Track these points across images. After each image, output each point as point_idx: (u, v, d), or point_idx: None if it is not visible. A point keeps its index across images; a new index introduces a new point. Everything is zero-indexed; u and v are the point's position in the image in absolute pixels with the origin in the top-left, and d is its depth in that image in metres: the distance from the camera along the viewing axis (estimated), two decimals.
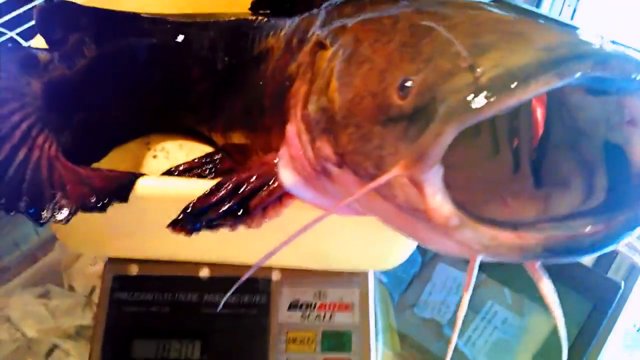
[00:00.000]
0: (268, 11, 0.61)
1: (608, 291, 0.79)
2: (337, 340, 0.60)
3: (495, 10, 0.37)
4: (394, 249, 0.56)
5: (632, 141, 0.32)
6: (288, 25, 0.55)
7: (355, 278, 0.63)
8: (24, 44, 0.92)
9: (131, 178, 0.46)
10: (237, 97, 0.59)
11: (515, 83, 0.28)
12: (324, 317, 0.61)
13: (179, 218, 0.45)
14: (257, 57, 0.58)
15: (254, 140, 0.56)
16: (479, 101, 0.28)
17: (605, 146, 0.34)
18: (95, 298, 0.75)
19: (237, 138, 0.60)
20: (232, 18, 0.62)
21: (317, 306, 0.61)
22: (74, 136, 0.53)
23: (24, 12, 0.98)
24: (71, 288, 0.78)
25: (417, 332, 0.84)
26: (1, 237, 0.82)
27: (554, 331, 0.80)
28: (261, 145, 0.54)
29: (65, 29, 0.58)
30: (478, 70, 0.30)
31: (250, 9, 0.62)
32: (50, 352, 0.71)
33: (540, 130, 0.39)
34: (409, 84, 0.33)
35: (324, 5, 0.52)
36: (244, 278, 0.38)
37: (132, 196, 0.45)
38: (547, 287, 0.34)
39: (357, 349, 0.59)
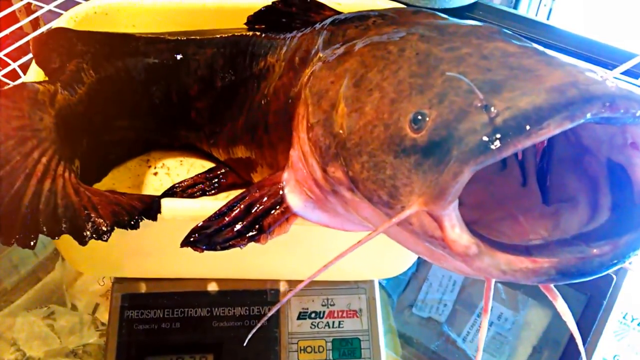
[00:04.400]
0: (263, 26, 0.61)
1: (601, 284, 0.81)
2: (347, 347, 0.61)
3: (497, 39, 0.38)
4: (398, 258, 0.58)
5: (634, 163, 0.33)
6: (288, 42, 0.56)
7: (362, 284, 0.64)
8: (12, 65, 0.92)
9: (154, 199, 0.48)
10: (239, 114, 0.60)
11: (529, 126, 0.29)
12: (333, 324, 0.62)
13: (193, 238, 0.46)
14: (257, 75, 0.58)
15: (260, 156, 0.57)
16: (496, 143, 0.30)
17: (608, 164, 0.35)
18: (100, 316, 0.76)
19: (241, 153, 0.61)
20: (229, 35, 0.63)
21: (325, 314, 0.62)
22: (81, 160, 0.53)
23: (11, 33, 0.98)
24: (74, 307, 0.78)
25: (416, 331, 0.86)
26: (1, 260, 0.81)
27: (551, 325, 0.82)
28: (268, 160, 0.55)
29: (62, 56, 0.58)
30: (492, 110, 0.31)
31: (246, 24, 0.62)
32: None
33: (544, 143, 0.41)
34: (422, 117, 0.34)
35: (324, 23, 0.53)
36: (293, 292, 0.39)
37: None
38: (562, 306, 0.36)
39: (367, 354, 0.60)
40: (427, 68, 0.37)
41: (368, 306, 0.63)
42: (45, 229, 0.43)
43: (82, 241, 0.44)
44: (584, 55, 0.78)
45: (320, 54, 0.49)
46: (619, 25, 1.04)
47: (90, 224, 0.44)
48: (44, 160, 0.48)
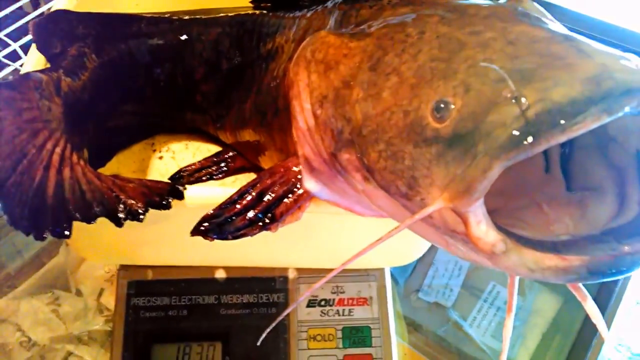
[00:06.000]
0: (269, 4, 0.59)
1: None
2: (357, 335, 0.60)
3: (522, 21, 0.36)
4: (410, 247, 0.56)
5: None
6: (297, 22, 0.54)
7: (372, 272, 0.63)
8: (12, 45, 0.91)
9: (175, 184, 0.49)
10: (247, 96, 0.58)
11: (564, 121, 0.28)
12: (343, 312, 0.61)
13: (204, 227, 0.44)
14: (265, 56, 0.57)
15: (270, 139, 0.56)
16: (528, 138, 0.28)
17: (638, 156, 0.34)
18: (105, 301, 0.75)
19: (250, 136, 0.59)
20: (235, 14, 0.61)
21: (335, 302, 0.61)
22: (88, 146, 0.52)
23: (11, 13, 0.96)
24: (79, 292, 0.77)
25: (423, 316, 0.85)
26: (3, 243, 0.80)
27: (561, 310, 0.82)
28: (278, 145, 0.54)
29: (63, 40, 0.56)
30: (523, 101, 0.29)
31: (251, 2, 0.60)
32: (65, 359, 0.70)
33: None
34: (446, 106, 0.32)
35: (336, 2, 0.50)
36: (325, 279, 0.38)
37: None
38: (591, 306, 0.34)
39: (377, 343, 0.60)
40: (450, 53, 0.35)
41: (378, 294, 0.62)
42: (78, 215, 0.43)
43: (119, 223, 0.43)
44: (597, 38, 0.77)
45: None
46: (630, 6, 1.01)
47: (122, 205, 0.44)
48: (58, 150, 0.47)
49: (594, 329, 0.77)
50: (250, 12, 0.60)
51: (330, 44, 0.44)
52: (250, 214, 0.44)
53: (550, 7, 0.85)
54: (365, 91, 0.39)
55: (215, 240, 0.45)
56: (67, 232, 0.42)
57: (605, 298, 0.78)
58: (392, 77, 0.37)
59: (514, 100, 0.30)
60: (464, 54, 0.35)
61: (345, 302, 0.61)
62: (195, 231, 0.44)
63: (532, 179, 0.40)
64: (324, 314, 0.61)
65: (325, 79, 0.42)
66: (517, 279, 0.36)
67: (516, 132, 0.29)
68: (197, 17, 0.62)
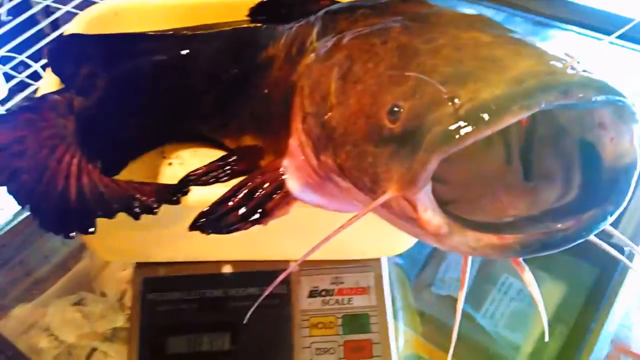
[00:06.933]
0: (265, 17, 0.64)
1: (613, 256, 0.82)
2: (356, 322, 0.64)
3: (475, 27, 0.41)
4: (400, 236, 0.60)
5: (603, 142, 0.35)
6: (286, 33, 0.59)
7: (370, 263, 0.67)
8: (34, 66, 0.97)
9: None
10: (245, 105, 0.63)
11: (488, 116, 0.32)
12: (343, 301, 0.65)
13: (200, 223, 0.49)
14: (260, 66, 0.61)
15: (266, 143, 0.60)
16: (458, 132, 0.32)
17: (581, 144, 0.37)
18: (127, 301, 0.80)
19: (249, 141, 0.64)
20: (232, 28, 0.65)
21: (335, 292, 0.65)
22: (102, 156, 0.57)
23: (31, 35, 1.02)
24: (103, 294, 0.82)
25: (435, 309, 0.88)
26: (32, 250, 0.86)
27: (565, 298, 0.84)
28: (273, 147, 0.58)
29: (75, 62, 0.61)
30: (457, 101, 0.34)
31: (247, 16, 0.65)
32: (89, 355, 0.75)
33: (526, 123, 0.43)
34: (397, 109, 0.37)
35: (319, 14, 0.55)
36: (285, 273, 0.43)
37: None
38: (528, 278, 0.39)
39: (376, 329, 0.63)
40: (406, 60, 0.40)
41: (376, 283, 0.65)
42: (100, 212, 0.48)
43: (136, 216, 0.48)
44: (580, 23, 0.78)
45: (315, 44, 0.52)
46: None
47: (137, 202, 0.49)
48: (75, 161, 0.52)
49: (594, 311, 0.80)
50: (245, 25, 0.65)
51: (314, 69, 0.49)
52: (242, 209, 0.48)
53: None
54: (337, 99, 0.44)
55: (220, 236, 0.49)
56: (91, 229, 0.47)
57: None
58: (358, 85, 0.42)
59: (449, 101, 0.34)
60: (417, 60, 0.39)
61: (345, 292, 0.65)
62: (193, 226, 0.48)
63: (494, 171, 0.44)
64: (325, 303, 0.65)
65: (311, 99, 0.47)
66: (469, 260, 0.40)
67: (450, 128, 0.33)
68: (198, 32, 0.66)
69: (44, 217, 0.48)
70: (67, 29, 0.67)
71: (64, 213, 0.48)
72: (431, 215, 0.35)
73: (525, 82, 0.32)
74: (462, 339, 0.85)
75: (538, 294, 0.39)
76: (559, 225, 0.35)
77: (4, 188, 0.48)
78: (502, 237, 0.34)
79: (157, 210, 0.49)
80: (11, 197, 0.48)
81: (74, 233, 0.47)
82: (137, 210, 0.48)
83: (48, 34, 1.06)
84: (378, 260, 0.66)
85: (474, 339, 0.85)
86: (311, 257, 0.66)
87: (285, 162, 0.51)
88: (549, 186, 0.39)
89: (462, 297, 0.39)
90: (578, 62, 0.34)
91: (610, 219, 0.35)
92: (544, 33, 1.05)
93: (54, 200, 0.49)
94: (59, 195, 0.49)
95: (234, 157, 0.68)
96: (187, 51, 0.65)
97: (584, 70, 0.34)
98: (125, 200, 0.49)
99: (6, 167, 0.49)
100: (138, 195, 0.49)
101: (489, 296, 0.88)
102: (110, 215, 0.48)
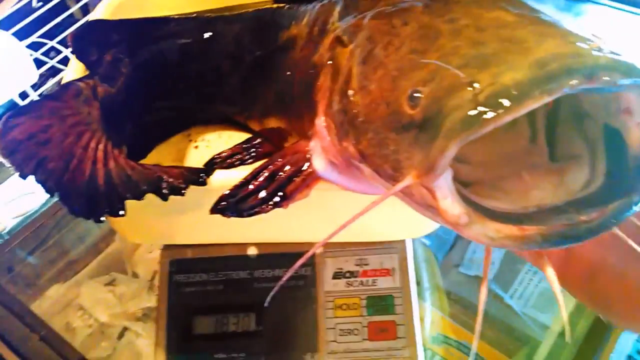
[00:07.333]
0: None
1: None
2: (381, 304, 0.64)
3: (499, 7, 0.39)
4: (425, 219, 0.59)
5: (628, 127, 0.34)
6: (309, 13, 0.58)
7: (395, 244, 0.66)
8: (64, 51, 0.98)
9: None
10: (269, 87, 0.63)
11: (509, 102, 0.30)
12: (367, 283, 0.65)
13: (221, 206, 0.49)
14: (282, 47, 0.60)
15: (289, 125, 0.60)
16: (477, 119, 0.31)
17: (606, 129, 0.36)
18: (156, 282, 0.82)
19: (273, 123, 0.64)
20: (254, 9, 0.65)
21: (360, 273, 0.65)
22: (127, 144, 0.57)
23: (62, 20, 1.04)
24: (135, 275, 0.85)
25: (463, 289, 0.88)
26: (67, 233, 0.88)
27: None
28: (297, 129, 0.58)
29: (99, 48, 0.62)
30: (476, 86, 0.32)
31: None
32: (121, 334, 0.78)
33: (550, 104, 0.41)
34: (418, 94, 0.36)
35: None
36: (308, 255, 0.42)
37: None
38: (551, 274, 0.37)
39: (399, 310, 0.63)
40: (427, 43, 0.39)
41: (400, 265, 0.65)
42: (129, 195, 0.48)
43: (164, 197, 0.49)
44: None
45: (337, 24, 0.51)
46: None
47: (165, 183, 0.49)
48: (101, 147, 0.53)
49: None
50: (268, 6, 0.64)
51: (340, 54, 0.48)
52: (263, 193, 0.48)
53: None
54: (359, 84, 0.43)
55: (242, 219, 0.50)
56: (121, 212, 0.48)
57: None
58: (379, 70, 0.41)
59: (469, 85, 0.33)
60: (438, 43, 0.38)
61: (369, 274, 0.65)
62: (214, 209, 0.49)
63: (517, 151, 0.42)
64: (349, 284, 0.65)
65: (334, 83, 0.47)
66: (492, 251, 0.39)
67: (468, 114, 0.31)
68: (221, 14, 0.66)
69: (74, 203, 0.48)
70: (93, 15, 0.68)
71: (93, 198, 0.49)
72: (450, 203, 0.34)
73: (547, 66, 0.31)
74: (491, 319, 0.85)
75: (559, 288, 0.37)
76: (583, 217, 0.33)
77: (32, 177, 0.49)
78: (523, 228, 0.33)
79: (184, 191, 0.49)
80: (39, 186, 0.49)
81: (104, 217, 0.48)
82: (165, 191, 0.49)
83: (78, 20, 1.07)
84: (403, 242, 0.66)
85: (502, 320, 0.84)
86: (336, 239, 0.67)
87: (312, 143, 0.50)
88: (575, 167, 0.38)
89: (484, 291, 0.38)
90: (605, 42, 0.33)
91: (636, 209, 0.33)
92: (577, 9, 1.02)
93: (83, 186, 0.49)
94: (87, 181, 0.50)
95: (259, 140, 0.69)
96: (211, 34, 0.65)
97: (611, 52, 0.32)
98: (153, 182, 0.49)
99: (33, 157, 0.50)
100: (165, 177, 0.50)
101: (518, 277, 0.88)
102: (139, 197, 0.48)
